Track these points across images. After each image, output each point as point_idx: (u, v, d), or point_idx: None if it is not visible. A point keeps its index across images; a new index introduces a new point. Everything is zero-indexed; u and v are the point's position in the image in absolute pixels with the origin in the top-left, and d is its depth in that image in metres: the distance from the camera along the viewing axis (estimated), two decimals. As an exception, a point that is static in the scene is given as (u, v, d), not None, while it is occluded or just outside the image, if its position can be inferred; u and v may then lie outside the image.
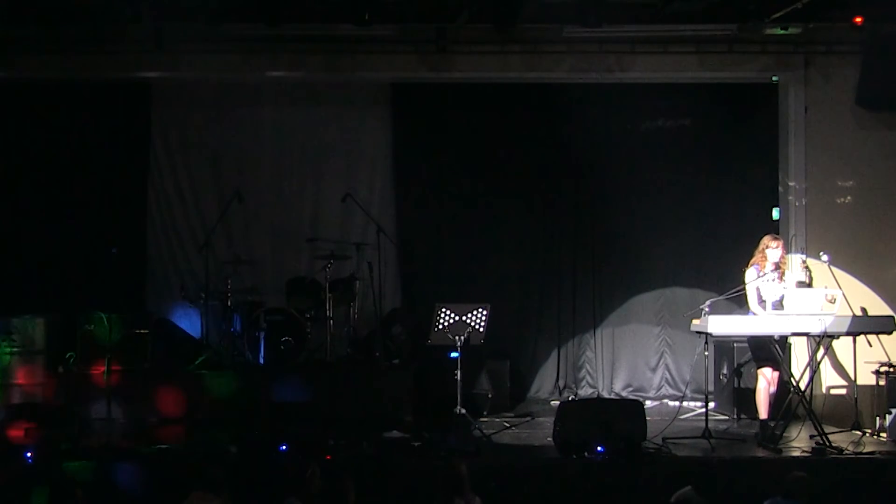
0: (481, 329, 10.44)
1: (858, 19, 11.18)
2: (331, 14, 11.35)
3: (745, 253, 10.64)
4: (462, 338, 10.30)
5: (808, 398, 9.99)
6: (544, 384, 12.89)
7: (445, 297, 10.77)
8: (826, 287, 10.26)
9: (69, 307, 11.69)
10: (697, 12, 11.37)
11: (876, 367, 10.68)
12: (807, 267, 11.62)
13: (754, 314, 10.15)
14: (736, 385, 11.47)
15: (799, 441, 9.96)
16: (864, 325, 10.10)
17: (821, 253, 10.73)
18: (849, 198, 12.14)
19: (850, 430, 10.40)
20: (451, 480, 7.68)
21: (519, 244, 12.89)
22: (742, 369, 11.39)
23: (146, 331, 11.53)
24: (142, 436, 10.33)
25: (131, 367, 11.20)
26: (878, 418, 10.51)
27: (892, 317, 10.28)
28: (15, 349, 11.21)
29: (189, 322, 12.29)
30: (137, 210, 12.75)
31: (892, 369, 10.53)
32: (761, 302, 10.16)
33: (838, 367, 11.54)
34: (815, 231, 12.05)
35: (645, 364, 12.89)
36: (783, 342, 10.29)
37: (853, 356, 10.67)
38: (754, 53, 12.10)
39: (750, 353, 10.63)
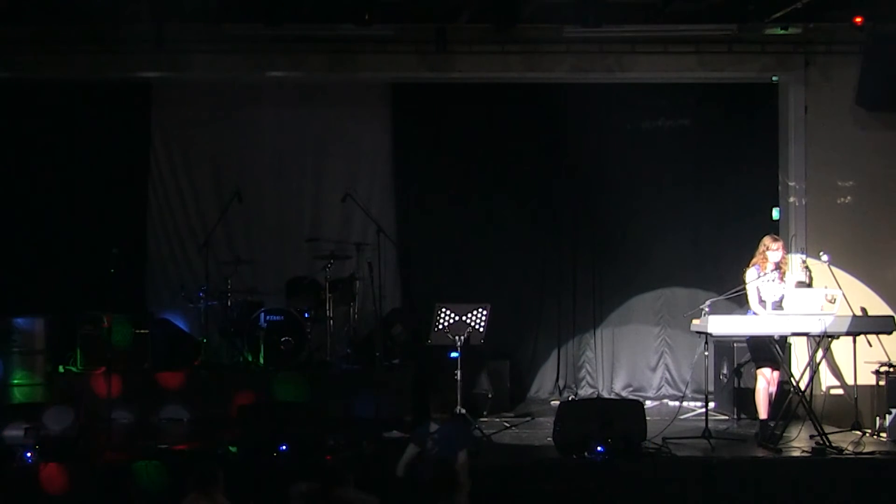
0: (481, 329, 10.44)
1: (858, 19, 11.18)
2: (331, 14, 11.35)
3: (744, 253, 10.64)
4: (462, 338, 10.31)
5: (808, 398, 9.99)
6: (544, 384, 12.90)
7: (445, 297, 10.77)
8: (826, 287, 10.26)
9: (69, 307, 11.71)
10: (697, 12, 11.39)
11: (876, 367, 10.68)
12: (807, 267, 11.62)
13: (755, 314, 10.15)
14: (736, 385, 11.47)
15: (799, 441, 9.96)
16: (864, 325, 10.10)
17: (821, 253, 10.73)
18: (849, 198, 12.14)
19: (850, 430, 10.41)
20: (445, 481, 7.66)
21: (519, 244, 12.89)
22: (742, 369, 11.39)
23: (146, 331, 11.56)
24: (144, 436, 10.36)
25: (132, 368, 11.24)
26: (878, 418, 10.51)
27: (892, 317, 10.27)
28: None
29: (189, 322, 12.33)
30: (137, 210, 12.76)
31: (892, 369, 10.53)
32: (761, 302, 10.16)
33: (838, 368, 11.54)
34: (815, 231, 12.05)
35: (645, 364, 12.90)
36: (783, 342, 10.29)
37: (853, 356, 10.68)
38: (754, 53, 12.10)
39: (749, 354, 10.64)
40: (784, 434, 9.93)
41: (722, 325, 9.89)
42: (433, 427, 8.66)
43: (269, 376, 11.30)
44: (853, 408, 10.71)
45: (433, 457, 8.44)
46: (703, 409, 10.44)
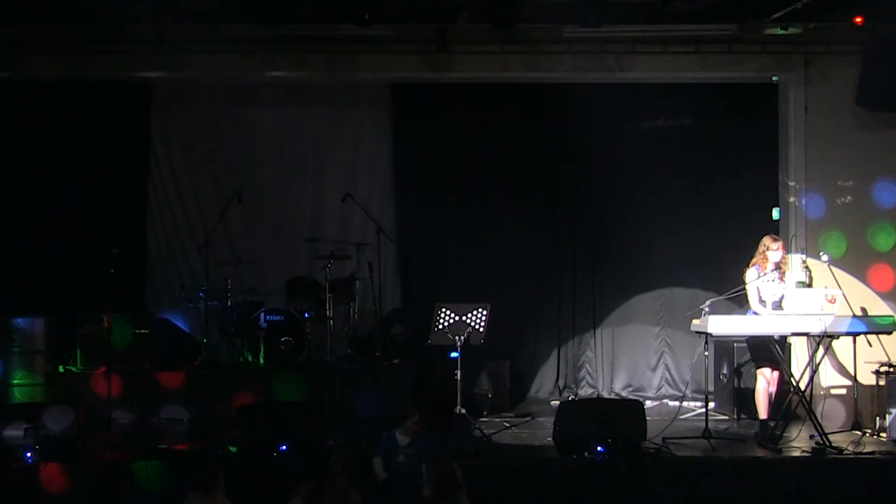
0: (481, 329, 10.45)
1: (858, 19, 11.18)
2: (331, 14, 11.35)
3: (745, 253, 10.64)
4: (462, 338, 10.32)
5: (808, 398, 10.00)
6: (544, 384, 12.89)
7: (445, 297, 10.77)
8: (826, 287, 10.26)
9: (69, 307, 11.71)
10: (697, 12, 11.39)
11: (876, 367, 10.68)
12: (807, 267, 11.62)
13: (755, 314, 10.15)
14: (736, 385, 11.48)
15: (799, 441, 9.97)
16: (864, 325, 10.11)
17: (821, 253, 10.74)
18: (849, 198, 12.14)
19: (850, 430, 10.41)
20: (443, 482, 7.65)
21: (519, 244, 12.89)
22: (742, 369, 11.40)
23: (146, 331, 11.57)
24: (144, 436, 10.36)
25: (132, 368, 11.25)
26: (878, 418, 10.51)
27: (893, 317, 10.28)
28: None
29: (189, 322, 12.33)
30: (137, 210, 12.76)
31: (892, 369, 10.53)
32: (761, 302, 10.16)
33: (838, 367, 11.54)
34: (814, 231, 12.05)
35: (645, 364, 12.89)
36: (783, 342, 10.29)
37: (853, 356, 10.68)
38: (754, 53, 12.10)
39: (749, 354, 10.64)
40: (784, 434, 9.94)
41: (722, 325, 9.89)
42: (401, 440, 8.64)
43: (269, 376, 11.32)
44: (853, 408, 10.72)
45: (404, 470, 8.44)
46: (703, 409, 10.45)
